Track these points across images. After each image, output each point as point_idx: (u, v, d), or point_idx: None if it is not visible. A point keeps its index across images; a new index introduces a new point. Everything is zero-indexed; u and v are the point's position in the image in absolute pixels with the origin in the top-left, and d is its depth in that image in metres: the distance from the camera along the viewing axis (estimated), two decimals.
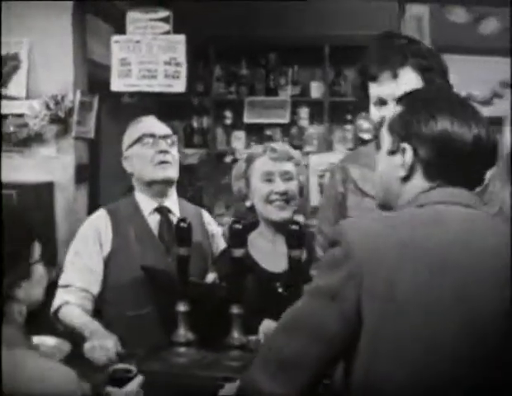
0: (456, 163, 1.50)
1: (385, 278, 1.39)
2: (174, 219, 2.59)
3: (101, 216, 2.64)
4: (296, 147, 5.42)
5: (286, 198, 2.53)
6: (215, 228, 2.77)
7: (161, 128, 2.69)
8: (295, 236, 2.21)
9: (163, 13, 3.89)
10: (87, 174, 4.20)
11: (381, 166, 1.62)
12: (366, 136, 4.91)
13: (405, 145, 1.53)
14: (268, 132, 5.54)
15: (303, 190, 2.63)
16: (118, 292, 2.52)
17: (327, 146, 5.37)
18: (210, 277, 2.50)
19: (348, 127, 5.45)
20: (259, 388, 1.50)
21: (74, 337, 2.32)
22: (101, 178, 5.06)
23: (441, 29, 3.67)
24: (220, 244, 2.72)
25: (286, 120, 5.42)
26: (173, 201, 2.68)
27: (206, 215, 2.79)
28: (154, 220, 2.63)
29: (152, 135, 2.62)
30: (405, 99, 1.62)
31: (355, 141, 5.46)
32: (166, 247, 2.58)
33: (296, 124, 5.50)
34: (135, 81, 3.99)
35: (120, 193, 5.20)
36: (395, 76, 2.17)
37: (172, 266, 2.41)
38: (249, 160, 2.60)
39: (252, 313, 2.28)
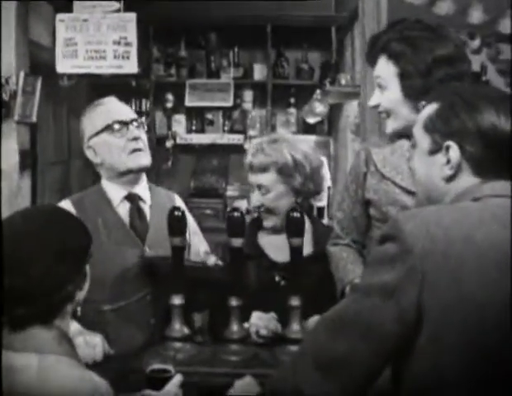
0: (504, 157, 1.46)
1: (450, 271, 1.34)
2: (145, 207, 2.48)
3: (65, 207, 2.44)
4: (238, 131, 5.41)
5: (262, 210, 2.49)
6: (187, 214, 2.64)
7: (127, 112, 2.52)
8: (295, 223, 2.14)
9: None
10: (30, 160, 3.97)
11: (421, 166, 1.57)
12: (313, 120, 4.87)
13: (450, 143, 1.48)
14: (209, 116, 5.43)
15: (298, 190, 2.49)
16: (93, 286, 2.36)
17: (270, 130, 5.31)
18: (212, 260, 2.39)
19: (292, 110, 5.42)
20: (304, 391, 1.42)
21: None
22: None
23: (398, 9, 3.65)
24: (193, 231, 2.60)
25: (229, 103, 5.33)
26: (143, 188, 2.53)
27: (178, 200, 2.65)
28: (123, 209, 2.47)
29: (120, 122, 2.44)
30: (440, 96, 1.57)
31: (298, 125, 5.44)
32: (139, 236, 2.44)
33: (239, 108, 5.41)
34: (81, 62, 3.79)
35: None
36: (374, 63, 2.20)
37: (150, 255, 2.35)
38: None
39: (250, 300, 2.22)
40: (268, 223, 2.50)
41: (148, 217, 2.47)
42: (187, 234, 2.54)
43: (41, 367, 1.48)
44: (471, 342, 1.33)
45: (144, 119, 2.59)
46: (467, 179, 1.48)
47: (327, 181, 4.26)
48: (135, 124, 2.47)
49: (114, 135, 2.43)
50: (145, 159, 2.47)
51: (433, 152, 1.52)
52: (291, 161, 2.44)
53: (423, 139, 1.55)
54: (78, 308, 1.65)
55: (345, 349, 1.39)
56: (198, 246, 2.54)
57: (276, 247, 2.47)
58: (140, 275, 2.36)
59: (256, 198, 2.49)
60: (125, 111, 2.51)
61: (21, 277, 1.50)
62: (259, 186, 2.47)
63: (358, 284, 1.48)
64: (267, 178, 2.45)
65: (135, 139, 2.43)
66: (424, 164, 1.55)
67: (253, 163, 2.47)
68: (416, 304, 1.34)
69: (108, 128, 2.43)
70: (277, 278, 2.41)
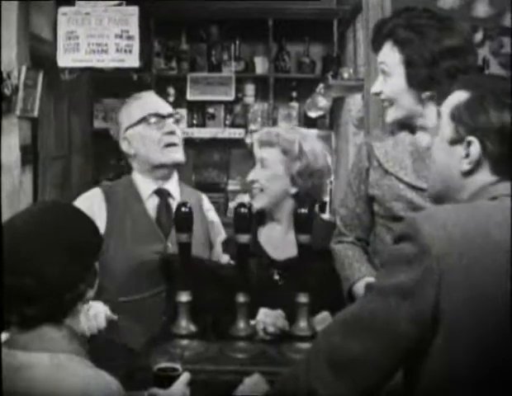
0: None
1: (468, 271, 1.33)
2: (173, 203, 2.46)
3: (96, 194, 2.46)
4: (239, 125, 5.39)
5: (256, 187, 2.44)
6: (213, 215, 2.65)
7: (165, 106, 2.54)
8: (303, 220, 2.11)
9: None
10: (31, 155, 3.94)
11: (440, 155, 1.54)
12: (315, 114, 4.85)
13: (472, 138, 1.46)
14: (211, 110, 5.40)
15: (294, 179, 2.43)
16: (110, 277, 2.31)
17: (271, 124, 5.28)
18: (225, 259, 2.37)
19: (293, 104, 5.40)
20: (317, 389, 1.41)
21: None
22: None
23: (402, 3, 3.62)
24: (217, 232, 2.61)
25: (231, 97, 5.31)
26: (173, 184, 2.53)
27: (205, 201, 2.66)
28: (152, 204, 2.47)
29: (157, 115, 2.45)
30: (472, 86, 1.53)
31: (300, 119, 5.42)
32: (163, 232, 2.44)
33: (241, 102, 5.39)
34: (83, 56, 3.77)
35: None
36: (379, 49, 2.16)
37: (167, 253, 2.37)
38: None
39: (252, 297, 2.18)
40: (257, 203, 2.43)
41: None
42: (212, 234, 2.55)
43: (52, 365, 1.47)
44: (487, 342, 1.32)
45: (179, 115, 2.57)
46: (485, 176, 1.47)
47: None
48: (171, 118, 2.48)
49: (150, 127, 2.44)
50: (179, 155, 2.47)
51: (455, 142, 1.49)
52: (298, 146, 2.40)
53: (447, 126, 1.51)
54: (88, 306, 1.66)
55: (359, 349, 1.38)
56: (219, 249, 2.54)
57: (274, 244, 2.44)
58: (158, 271, 2.35)
59: (254, 173, 2.46)
60: (162, 105, 2.54)
61: (33, 277, 1.48)
62: (262, 161, 2.44)
63: (373, 284, 1.46)
64: (271, 153, 2.42)
65: (171, 133, 2.44)
66: (444, 153, 1.52)
67: (262, 138, 2.46)
68: (433, 304, 1.33)
69: (144, 120, 2.45)
70: (275, 276, 2.39)
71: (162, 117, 2.44)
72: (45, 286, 1.49)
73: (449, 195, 1.52)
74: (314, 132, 5.12)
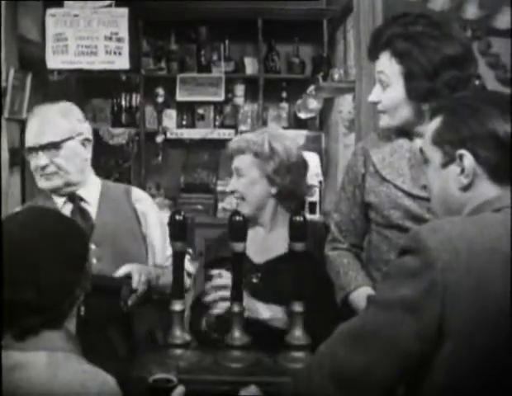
0: None
1: (473, 284, 1.31)
2: (88, 208, 2.45)
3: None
4: (229, 126, 5.37)
5: (237, 196, 2.44)
6: (144, 207, 2.55)
7: (43, 134, 2.37)
8: (298, 228, 2.09)
9: None
10: (19, 158, 3.91)
11: (436, 181, 1.54)
12: (306, 116, 4.84)
13: (462, 151, 1.46)
14: (201, 110, 5.38)
15: (271, 179, 2.39)
16: None
17: (261, 125, 5.26)
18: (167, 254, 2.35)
19: (283, 105, 5.38)
20: None
21: None
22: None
23: (393, 4, 3.61)
24: (151, 224, 2.52)
25: (220, 97, 5.27)
26: (87, 189, 2.49)
27: (135, 193, 2.58)
28: (67, 210, 2.43)
29: (32, 149, 2.38)
30: (442, 108, 1.56)
31: (290, 119, 5.41)
32: None
33: (231, 102, 5.36)
34: (72, 58, 3.75)
35: None
36: (376, 58, 2.13)
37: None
38: None
39: None
40: (241, 211, 2.38)
41: (94, 216, 2.44)
42: (144, 226, 2.51)
43: (50, 363, 1.48)
44: (493, 355, 1.31)
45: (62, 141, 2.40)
46: (485, 186, 1.46)
47: (318, 177, 4.24)
48: (49, 150, 2.37)
49: (30, 157, 2.41)
50: (57, 180, 2.41)
51: (446, 164, 1.50)
52: (268, 146, 2.38)
53: (434, 154, 1.53)
54: (82, 308, 1.65)
55: (363, 363, 1.37)
56: (156, 243, 2.52)
57: (256, 247, 2.41)
58: None
59: (232, 183, 2.45)
60: (41, 133, 2.38)
61: (33, 289, 1.49)
62: (236, 170, 2.43)
63: (376, 297, 1.45)
64: (243, 160, 2.41)
65: (42, 168, 2.38)
66: (439, 178, 1.53)
67: (233, 147, 2.44)
68: (438, 318, 1.32)
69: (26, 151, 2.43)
70: (254, 280, 2.37)
71: (36, 150, 2.38)
72: (44, 297, 1.51)
73: (454, 214, 1.51)
74: (303, 133, 5.13)
